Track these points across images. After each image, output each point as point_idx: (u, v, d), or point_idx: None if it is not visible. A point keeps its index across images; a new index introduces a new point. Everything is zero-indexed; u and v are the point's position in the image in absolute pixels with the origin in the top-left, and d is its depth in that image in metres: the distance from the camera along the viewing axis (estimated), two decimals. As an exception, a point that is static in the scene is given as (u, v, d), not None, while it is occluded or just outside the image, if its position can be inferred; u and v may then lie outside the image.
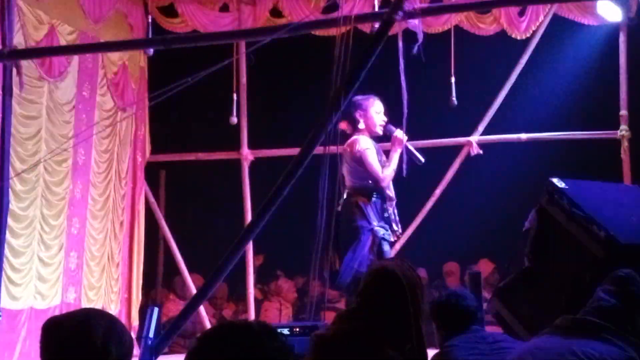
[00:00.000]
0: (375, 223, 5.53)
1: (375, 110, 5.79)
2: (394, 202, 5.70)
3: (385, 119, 5.81)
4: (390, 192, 5.72)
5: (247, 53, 7.33)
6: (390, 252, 5.59)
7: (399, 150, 5.70)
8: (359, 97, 5.67)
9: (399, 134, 5.73)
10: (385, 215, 5.62)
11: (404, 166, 5.77)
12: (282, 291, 9.55)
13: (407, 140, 5.76)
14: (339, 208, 5.61)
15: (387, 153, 5.84)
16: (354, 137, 5.72)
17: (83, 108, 7.96)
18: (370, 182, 5.64)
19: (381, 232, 5.51)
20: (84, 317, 2.19)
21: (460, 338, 3.58)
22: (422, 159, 5.70)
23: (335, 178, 5.13)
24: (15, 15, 6.18)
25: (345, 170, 5.71)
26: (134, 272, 8.81)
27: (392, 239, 5.69)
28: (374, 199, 5.62)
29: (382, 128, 5.78)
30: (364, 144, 5.65)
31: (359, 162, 5.62)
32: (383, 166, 5.67)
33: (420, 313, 2.91)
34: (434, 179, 8.55)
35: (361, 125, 5.73)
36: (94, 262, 8.15)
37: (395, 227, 5.64)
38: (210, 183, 9.67)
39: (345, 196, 5.68)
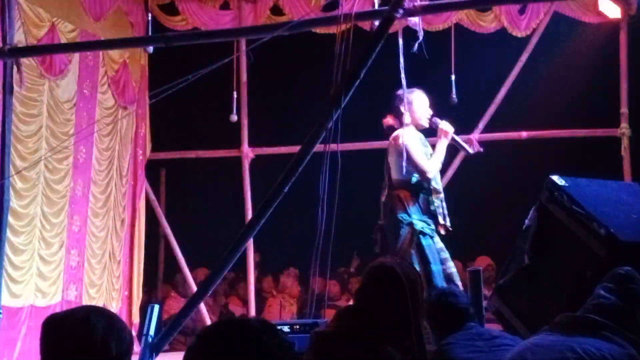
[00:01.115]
0: (415, 217, 5.52)
1: (421, 103, 5.80)
2: (440, 195, 5.67)
3: (431, 111, 5.81)
4: (437, 184, 5.70)
5: (248, 51, 7.34)
6: (433, 245, 5.53)
7: (445, 142, 5.69)
8: (403, 92, 5.65)
9: (445, 125, 5.73)
10: (432, 208, 5.60)
11: (404, 164, 5.76)
12: (286, 287, 9.56)
13: (454, 132, 5.75)
14: (383, 199, 5.62)
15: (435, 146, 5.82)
16: (398, 130, 5.71)
17: (84, 106, 7.96)
18: (414, 175, 5.62)
19: (419, 225, 5.48)
20: (84, 314, 2.19)
21: (457, 335, 3.58)
22: (470, 150, 5.67)
23: (335, 176, 5.12)
24: (15, 13, 6.18)
25: (390, 163, 5.71)
26: (134, 269, 8.82)
27: (438, 232, 5.64)
28: (417, 191, 5.61)
29: (427, 121, 5.78)
30: (408, 137, 5.63)
31: (403, 155, 5.57)
32: (429, 159, 5.65)
33: (420, 310, 2.91)
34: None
35: (407, 119, 5.73)
36: (95, 259, 8.16)
37: (441, 221, 5.61)
38: (211, 181, 9.67)
39: (388, 188, 5.68)
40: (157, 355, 4.81)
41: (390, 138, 5.73)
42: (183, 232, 9.18)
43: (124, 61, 8.52)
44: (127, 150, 8.74)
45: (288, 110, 9.29)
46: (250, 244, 8.13)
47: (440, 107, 8.01)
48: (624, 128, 8.09)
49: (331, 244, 5.02)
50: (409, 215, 5.53)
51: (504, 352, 3.26)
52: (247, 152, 8.96)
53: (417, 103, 5.80)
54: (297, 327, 4.35)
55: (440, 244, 5.62)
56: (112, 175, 8.47)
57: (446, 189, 8.48)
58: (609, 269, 2.86)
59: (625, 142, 8.06)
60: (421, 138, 5.82)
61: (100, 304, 7.84)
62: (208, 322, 8.34)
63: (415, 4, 4.94)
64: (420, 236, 5.47)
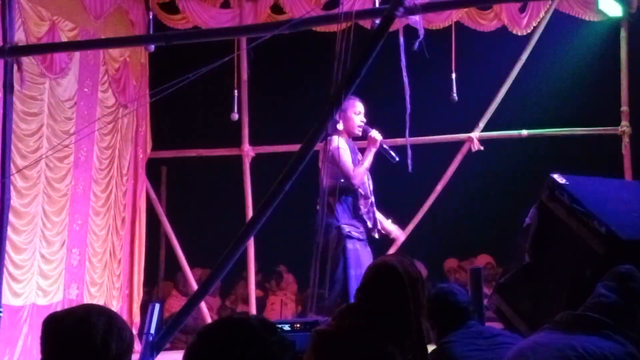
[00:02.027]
0: (343, 221, 5.61)
1: (355, 111, 5.89)
2: (369, 201, 5.75)
3: (365, 120, 5.89)
4: (365, 190, 5.78)
5: (248, 49, 7.34)
6: (358, 249, 5.64)
7: (373, 150, 5.80)
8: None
9: (375, 134, 5.83)
10: (360, 213, 5.67)
11: (409, 162, 5.80)
12: (287, 285, 9.58)
13: (387, 139, 5.88)
14: (317, 207, 5.70)
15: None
16: (330, 137, 5.79)
17: (84, 104, 7.97)
18: (342, 180, 5.71)
19: (347, 229, 5.57)
20: (84, 313, 2.19)
21: (457, 334, 3.58)
22: (397, 158, 5.72)
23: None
24: (16, 12, 6.18)
25: (321, 168, 5.80)
26: (135, 268, 8.83)
27: (366, 236, 5.74)
28: (344, 197, 5.70)
29: (361, 129, 5.87)
30: (337, 143, 5.72)
31: (332, 160, 5.68)
32: (357, 165, 5.76)
33: (421, 309, 2.91)
34: (435, 175, 8.55)
35: (340, 126, 5.82)
36: (96, 258, 8.16)
37: (370, 225, 5.69)
38: (212, 179, 9.68)
39: (321, 194, 5.78)
40: (158, 353, 4.81)
41: (322, 144, 5.80)
42: (184, 231, 9.18)
43: (125, 60, 8.53)
44: (127, 148, 8.75)
45: (289, 109, 9.30)
46: (251, 243, 8.13)
47: (441, 106, 8.04)
48: (625, 126, 8.09)
49: (330, 237, 5.03)
50: (337, 220, 5.62)
51: (504, 351, 3.25)
52: (248, 151, 8.96)
53: (352, 111, 5.87)
54: (298, 325, 4.34)
55: (367, 248, 5.70)
56: (113, 173, 8.47)
57: (446, 188, 8.56)
58: (609, 267, 2.86)
59: (625, 140, 8.06)
60: (351, 145, 5.89)
61: (101, 302, 7.84)
62: (209, 320, 8.35)
63: (416, 2, 4.94)
64: (347, 240, 5.54)
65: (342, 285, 5.53)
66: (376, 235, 5.84)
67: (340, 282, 5.53)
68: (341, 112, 5.78)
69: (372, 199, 5.81)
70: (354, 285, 5.49)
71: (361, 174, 5.71)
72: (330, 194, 5.69)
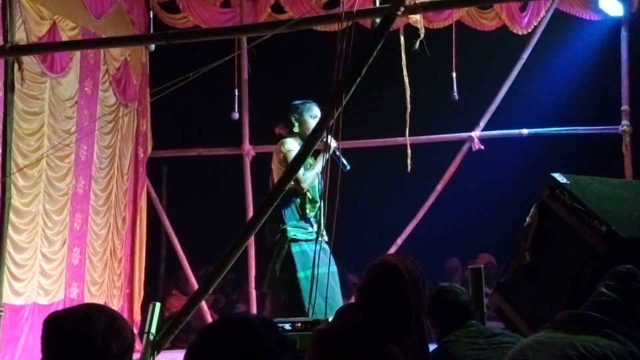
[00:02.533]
0: (289, 224, 5.66)
1: (311, 115, 5.90)
2: (317, 205, 5.77)
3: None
4: (314, 194, 5.80)
5: (249, 48, 7.33)
6: (305, 251, 5.66)
7: (325, 156, 5.76)
8: (296, 101, 5.85)
9: (329, 140, 5.83)
10: (308, 216, 5.71)
11: (408, 161, 5.81)
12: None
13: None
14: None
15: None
16: (283, 139, 5.85)
17: (85, 103, 7.97)
18: (291, 183, 5.74)
19: (291, 232, 5.60)
20: (85, 312, 2.19)
21: (457, 333, 3.58)
22: (348, 166, 5.72)
23: (336, 174, 5.13)
24: (17, 11, 6.18)
25: (273, 170, 5.87)
26: (136, 267, 8.83)
27: (314, 239, 5.77)
28: (293, 199, 5.73)
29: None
30: (289, 146, 5.76)
31: (282, 162, 5.73)
32: (307, 169, 5.78)
33: (423, 308, 2.91)
34: (435, 174, 8.56)
35: (295, 129, 5.86)
36: (97, 257, 8.16)
37: (310, 229, 5.72)
38: (212, 178, 9.68)
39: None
40: (158, 353, 4.82)
41: (276, 145, 5.86)
42: (184, 230, 9.19)
43: (125, 59, 8.53)
44: (128, 148, 8.75)
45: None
46: (251, 242, 8.13)
47: (441, 105, 8.05)
48: (625, 125, 8.09)
49: (332, 240, 5.03)
50: (284, 222, 5.65)
51: (505, 350, 3.25)
52: (248, 150, 8.96)
53: (307, 115, 5.89)
54: (299, 324, 4.34)
55: (325, 245, 5.71)
56: (114, 173, 8.47)
57: (446, 187, 8.56)
58: (610, 266, 2.86)
59: (626, 140, 8.06)
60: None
61: (101, 301, 7.84)
62: (209, 319, 8.35)
63: (417, 1, 4.94)
64: (291, 243, 5.58)
65: (293, 288, 5.55)
66: (326, 239, 5.87)
67: (288, 284, 5.56)
68: (297, 115, 5.86)
69: (321, 203, 5.83)
70: (306, 286, 5.54)
71: (310, 178, 5.72)
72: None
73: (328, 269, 5.40)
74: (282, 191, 4.94)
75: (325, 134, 5.94)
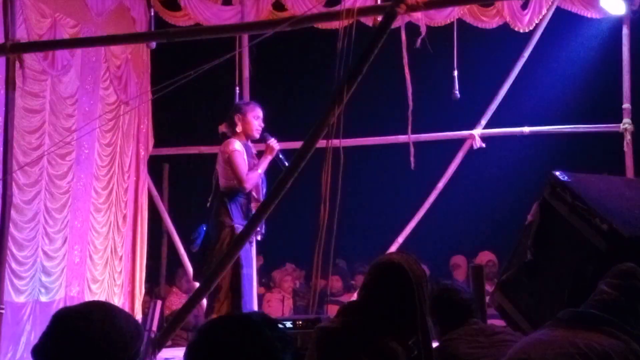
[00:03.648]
0: (236, 220, 5.82)
1: (254, 115, 6.07)
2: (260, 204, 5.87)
3: (263, 125, 6.11)
4: (258, 194, 5.99)
5: (250, 46, 7.34)
6: (248, 250, 5.79)
7: (269, 158, 6.01)
8: (240, 102, 5.98)
9: (273, 142, 6.05)
10: (250, 215, 5.78)
11: (412, 159, 5.83)
12: (282, 282, 9.60)
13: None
14: (208, 204, 5.85)
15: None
16: (228, 139, 5.99)
17: (86, 101, 7.97)
18: (234, 182, 5.92)
19: (239, 229, 5.68)
20: (88, 309, 2.16)
21: (459, 331, 3.59)
22: (287, 163, 5.82)
23: (338, 172, 5.13)
24: (18, 9, 6.18)
25: (217, 169, 6.04)
26: (137, 265, 8.83)
27: (255, 238, 5.90)
28: (239, 198, 5.91)
29: (258, 133, 6.07)
30: (234, 146, 5.91)
31: (227, 162, 5.89)
32: (251, 169, 5.94)
33: (426, 306, 2.92)
34: (436, 172, 8.55)
35: (239, 129, 6.04)
36: (97, 255, 8.16)
37: (257, 228, 5.81)
38: (213, 176, 9.66)
39: (214, 193, 6.03)
40: (160, 350, 4.82)
41: (221, 146, 5.94)
42: (185, 228, 9.18)
43: (126, 57, 8.52)
44: (129, 145, 8.74)
45: (290, 106, 9.29)
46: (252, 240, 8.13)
47: (442, 103, 8.04)
48: (627, 123, 8.07)
49: (333, 239, 5.03)
50: (232, 220, 5.83)
51: (506, 348, 3.26)
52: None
53: (251, 115, 6.07)
54: (300, 322, 4.35)
55: (252, 248, 5.89)
56: (114, 170, 8.47)
57: (448, 185, 8.55)
58: (611, 264, 2.86)
59: (627, 138, 8.04)
60: (248, 149, 6.02)
61: (102, 299, 7.84)
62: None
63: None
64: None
65: (236, 283, 5.67)
66: (259, 238, 6.00)
67: (230, 279, 5.67)
68: (240, 115, 6.00)
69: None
70: (246, 283, 5.79)
71: (254, 179, 5.91)
72: (225, 194, 5.95)
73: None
74: (283, 190, 4.95)
75: (268, 137, 6.12)
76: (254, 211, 5.82)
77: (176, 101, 7.86)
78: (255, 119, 6.06)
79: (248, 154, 6.06)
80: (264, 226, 5.95)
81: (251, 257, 5.99)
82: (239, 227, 5.75)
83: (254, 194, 5.97)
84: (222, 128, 6.12)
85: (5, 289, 5.73)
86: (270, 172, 6.12)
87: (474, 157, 8.54)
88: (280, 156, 5.96)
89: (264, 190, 6.03)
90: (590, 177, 4.17)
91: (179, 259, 9.06)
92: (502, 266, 5.67)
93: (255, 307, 5.56)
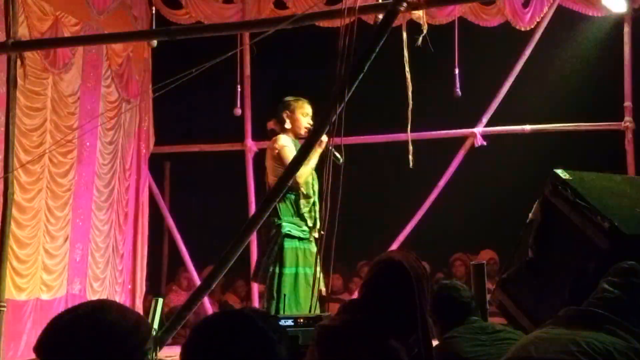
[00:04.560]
0: (285, 219, 5.68)
1: (302, 112, 5.95)
2: (311, 200, 5.80)
3: (312, 122, 5.95)
4: (308, 189, 5.83)
5: (251, 44, 7.33)
6: (296, 248, 5.70)
7: (319, 151, 5.75)
8: (289, 98, 5.89)
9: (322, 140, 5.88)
10: (301, 212, 5.73)
11: (410, 157, 5.82)
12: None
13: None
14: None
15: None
16: (277, 135, 5.90)
17: (88, 99, 7.97)
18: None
19: (286, 228, 5.62)
20: (92, 308, 2.15)
21: (459, 329, 3.59)
22: (342, 159, 5.69)
23: (339, 170, 5.13)
24: (19, 7, 6.18)
25: (267, 166, 5.94)
26: (138, 263, 8.84)
27: (310, 236, 5.81)
28: (287, 195, 5.74)
29: (307, 130, 5.91)
30: (282, 142, 5.81)
31: (276, 159, 5.79)
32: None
33: (426, 305, 2.92)
34: (437, 171, 8.55)
35: (287, 125, 5.93)
36: (99, 253, 8.17)
37: (310, 224, 5.75)
38: (214, 174, 9.68)
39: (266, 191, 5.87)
40: (161, 348, 4.82)
41: (269, 142, 5.87)
42: (186, 226, 9.19)
43: (128, 55, 8.52)
44: (130, 144, 8.75)
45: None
46: (253, 238, 8.13)
47: (444, 101, 8.04)
48: (628, 121, 8.08)
49: (334, 237, 5.04)
50: (279, 218, 5.69)
51: (506, 346, 3.26)
52: (251, 146, 8.96)
53: (299, 112, 5.96)
54: (301, 320, 4.35)
55: (313, 248, 5.74)
56: (116, 168, 8.48)
57: (449, 183, 8.56)
58: (612, 262, 2.86)
59: (629, 136, 8.05)
60: (296, 145, 5.95)
61: (103, 297, 7.85)
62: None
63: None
64: (285, 239, 5.62)
65: (274, 281, 5.61)
66: (315, 235, 5.90)
67: (272, 278, 5.62)
68: (289, 112, 5.91)
69: (315, 199, 5.85)
70: (288, 283, 5.65)
71: (305, 174, 5.73)
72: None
73: (314, 270, 5.43)
74: (285, 188, 4.96)
75: (327, 129, 6.02)
76: (303, 208, 5.77)
77: (177, 99, 7.86)
78: (304, 116, 5.95)
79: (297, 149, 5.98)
80: (318, 223, 5.83)
81: (299, 255, 5.81)
82: (287, 225, 5.66)
83: (302, 190, 5.79)
84: (271, 125, 6.00)
85: (6, 287, 5.73)
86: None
87: (475, 155, 8.55)
88: (331, 148, 5.62)
89: (316, 187, 5.93)
90: (591, 175, 4.16)
91: (179, 257, 9.08)
92: (503, 264, 5.68)
93: (293, 310, 5.46)
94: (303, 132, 5.94)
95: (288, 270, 5.64)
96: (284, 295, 5.43)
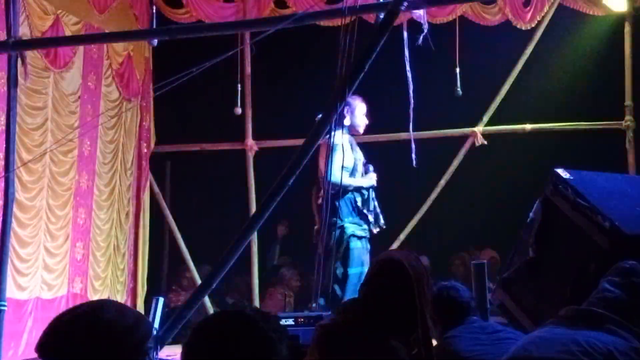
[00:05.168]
0: (347, 220, 5.65)
1: (362, 111, 6.05)
2: (368, 196, 5.81)
3: (367, 121, 6.09)
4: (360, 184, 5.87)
5: (252, 44, 7.34)
6: (360, 248, 5.69)
7: (364, 184, 5.92)
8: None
9: (373, 177, 6.03)
10: (362, 210, 5.73)
11: (413, 156, 5.85)
12: (285, 279, 9.58)
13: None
14: (319, 201, 5.77)
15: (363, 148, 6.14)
16: (334, 131, 5.84)
17: (88, 98, 7.97)
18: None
19: (350, 229, 5.62)
20: (92, 308, 2.16)
21: (459, 329, 3.60)
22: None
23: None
24: (20, 6, 6.18)
25: (321, 164, 5.88)
26: (139, 262, 8.84)
27: (368, 234, 5.81)
28: (348, 194, 5.71)
29: (363, 128, 6.07)
30: (337, 140, 5.79)
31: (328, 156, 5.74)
32: (351, 170, 5.86)
33: (426, 305, 2.92)
34: (438, 170, 8.55)
35: (347, 122, 5.97)
36: (100, 252, 8.17)
37: (371, 219, 5.75)
38: (215, 174, 9.68)
39: (323, 191, 5.84)
40: (162, 347, 4.83)
41: (323, 140, 5.86)
42: (187, 225, 9.19)
43: (128, 54, 8.52)
44: (131, 143, 8.75)
45: (292, 103, 9.28)
46: (254, 237, 8.14)
47: (444, 100, 8.04)
48: (629, 121, 8.08)
49: (335, 236, 5.04)
50: (341, 219, 5.71)
51: (507, 346, 3.26)
52: (251, 145, 8.96)
53: (359, 110, 6.07)
54: (302, 319, 4.35)
55: (367, 245, 5.79)
56: (117, 167, 8.48)
57: (449, 182, 8.55)
58: (613, 261, 2.86)
59: (629, 135, 8.05)
60: (352, 142, 5.96)
61: (104, 296, 7.86)
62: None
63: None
64: (351, 239, 5.62)
65: (340, 282, 5.60)
66: (375, 231, 5.90)
67: (339, 278, 5.61)
68: (350, 109, 5.91)
69: (371, 194, 5.85)
70: (353, 284, 5.60)
71: (338, 185, 5.67)
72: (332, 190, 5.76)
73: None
74: (285, 187, 4.94)
75: (369, 168, 6.09)
76: (362, 206, 5.79)
77: (178, 98, 7.85)
78: (363, 114, 6.02)
79: (353, 148, 6.02)
80: (380, 217, 5.88)
81: (362, 255, 5.82)
82: (350, 226, 5.70)
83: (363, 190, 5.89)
84: None
85: (7, 286, 5.73)
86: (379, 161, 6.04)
87: (475, 154, 8.54)
88: (372, 192, 5.86)
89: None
90: (592, 175, 4.16)
91: (180, 256, 9.08)
92: (504, 263, 5.68)
93: None
94: (361, 129, 6.10)
95: (353, 271, 5.66)
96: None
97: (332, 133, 5.82)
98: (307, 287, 9.20)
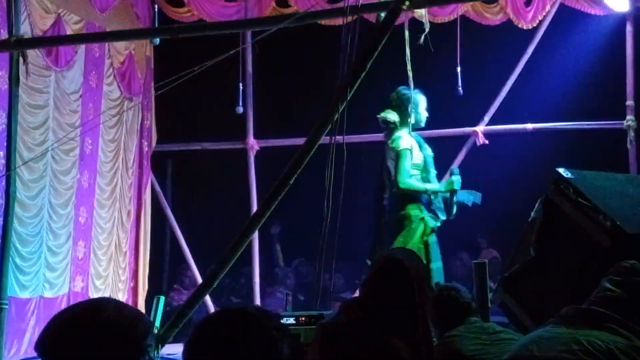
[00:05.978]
0: (425, 214, 5.77)
1: (424, 106, 6.00)
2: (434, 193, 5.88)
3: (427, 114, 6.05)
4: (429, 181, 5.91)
5: (253, 43, 7.34)
6: (434, 244, 5.72)
7: (441, 189, 5.92)
8: (409, 92, 5.80)
9: (457, 180, 5.99)
10: (432, 207, 5.78)
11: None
12: (286, 279, 9.61)
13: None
14: (385, 202, 5.76)
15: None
16: (398, 133, 5.85)
17: (90, 97, 7.98)
18: (415, 175, 5.83)
19: (432, 223, 5.67)
20: (93, 306, 2.16)
21: (460, 329, 3.60)
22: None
23: (341, 169, 5.13)
24: (21, 5, 6.19)
25: (389, 165, 5.85)
26: (140, 261, 8.84)
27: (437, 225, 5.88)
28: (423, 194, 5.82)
29: (425, 121, 6.00)
30: (406, 144, 5.81)
31: (397, 158, 5.79)
32: (422, 167, 5.86)
33: (427, 304, 2.92)
34: (439, 169, 8.53)
35: (411, 120, 5.90)
36: (101, 250, 8.18)
37: (441, 216, 5.80)
38: (216, 172, 9.68)
39: (391, 188, 5.79)
40: (163, 346, 4.83)
41: (390, 139, 5.85)
42: (188, 224, 9.20)
43: (130, 53, 8.53)
44: (132, 141, 8.75)
45: (293, 103, 9.29)
46: (255, 236, 8.14)
47: (446, 99, 8.03)
48: (630, 120, 8.07)
49: (337, 235, 5.04)
50: (421, 212, 5.73)
51: (507, 346, 3.27)
52: (253, 144, 8.96)
53: (422, 105, 5.98)
54: (303, 318, 4.35)
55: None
56: (118, 166, 8.48)
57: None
58: (614, 261, 2.86)
59: (631, 135, 8.04)
60: (419, 141, 5.94)
61: (106, 295, 7.86)
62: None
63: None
64: (431, 233, 5.64)
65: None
66: (438, 224, 5.95)
67: None
68: (414, 106, 5.87)
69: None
70: (438, 278, 5.62)
71: (410, 189, 5.75)
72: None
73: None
74: (287, 186, 4.94)
75: (455, 170, 6.10)
76: (434, 202, 5.84)
77: (179, 97, 7.86)
78: (425, 108, 5.99)
79: (422, 145, 5.99)
80: (444, 213, 5.90)
81: (438, 249, 5.84)
82: (430, 220, 5.73)
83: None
84: (393, 117, 5.94)
85: (9, 285, 5.74)
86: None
87: (477, 153, 8.54)
88: (454, 197, 5.87)
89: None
90: (593, 174, 4.17)
91: (181, 255, 9.08)
92: (505, 263, 5.68)
93: None
94: (423, 124, 6.03)
95: (435, 265, 5.67)
96: None
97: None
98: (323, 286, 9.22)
